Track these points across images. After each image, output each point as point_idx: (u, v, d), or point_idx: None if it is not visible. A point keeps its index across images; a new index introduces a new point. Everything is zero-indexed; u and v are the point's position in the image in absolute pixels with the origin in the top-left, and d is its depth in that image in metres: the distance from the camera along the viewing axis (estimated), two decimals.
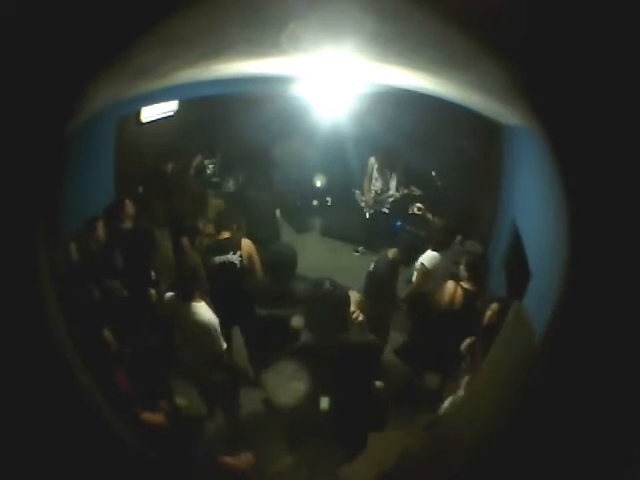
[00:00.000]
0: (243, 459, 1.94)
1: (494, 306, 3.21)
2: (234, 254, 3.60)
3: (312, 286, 2.54)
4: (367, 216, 5.69)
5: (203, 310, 3.00)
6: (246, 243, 3.65)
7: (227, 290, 3.47)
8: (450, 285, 3.60)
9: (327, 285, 2.49)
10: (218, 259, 3.58)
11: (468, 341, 3.20)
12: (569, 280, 1.57)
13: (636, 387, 1.43)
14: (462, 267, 3.65)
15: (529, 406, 1.61)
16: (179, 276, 3.11)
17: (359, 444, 2.63)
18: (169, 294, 3.16)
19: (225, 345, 3.08)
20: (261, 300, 3.30)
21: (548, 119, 1.52)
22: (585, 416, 1.48)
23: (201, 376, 3.22)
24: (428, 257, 4.01)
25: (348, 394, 2.42)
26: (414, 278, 4.08)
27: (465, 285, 3.58)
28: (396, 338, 4.05)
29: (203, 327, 2.98)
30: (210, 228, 4.30)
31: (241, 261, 3.59)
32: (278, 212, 5.41)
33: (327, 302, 2.46)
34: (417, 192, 5.35)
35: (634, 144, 1.33)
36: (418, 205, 5.03)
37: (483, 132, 4.50)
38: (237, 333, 3.72)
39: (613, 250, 1.40)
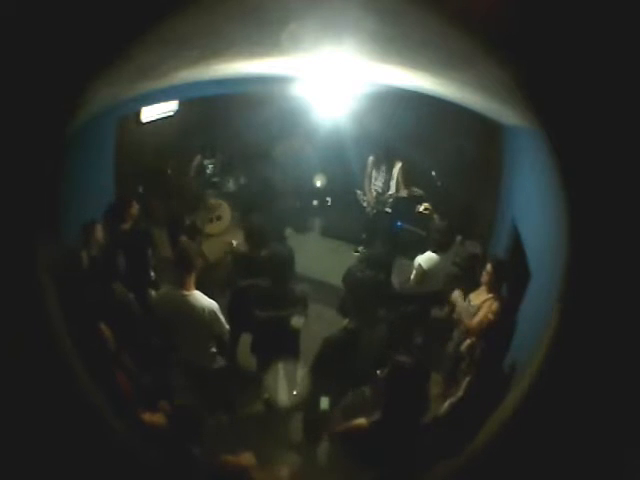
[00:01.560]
0: (244, 458, 1.94)
1: (494, 306, 3.21)
2: (264, 279, 3.41)
3: (353, 271, 2.62)
4: (370, 216, 5.69)
5: (201, 297, 3.00)
6: None
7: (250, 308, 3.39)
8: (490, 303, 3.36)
9: (369, 272, 2.57)
10: (247, 282, 3.45)
11: (468, 341, 3.20)
12: (569, 280, 1.57)
13: (637, 387, 1.43)
14: (486, 276, 3.43)
15: (529, 407, 1.61)
16: (177, 265, 3.08)
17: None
18: (163, 289, 3.15)
19: (228, 326, 3.06)
20: (260, 301, 3.29)
21: (548, 119, 1.52)
22: (585, 416, 1.48)
23: (203, 368, 3.21)
24: (426, 258, 4.00)
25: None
26: (412, 277, 4.09)
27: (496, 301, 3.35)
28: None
29: (204, 312, 2.96)
30: (240, 242, 4.09)
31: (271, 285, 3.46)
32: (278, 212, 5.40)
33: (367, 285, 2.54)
34: (418, 192, 5.34)
35: (634, 144, 1.33)
36: (425, 205, 5.02)
37: (483, 132, 4.49)
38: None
39: (613, 250, 1.40)
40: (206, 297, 3.01)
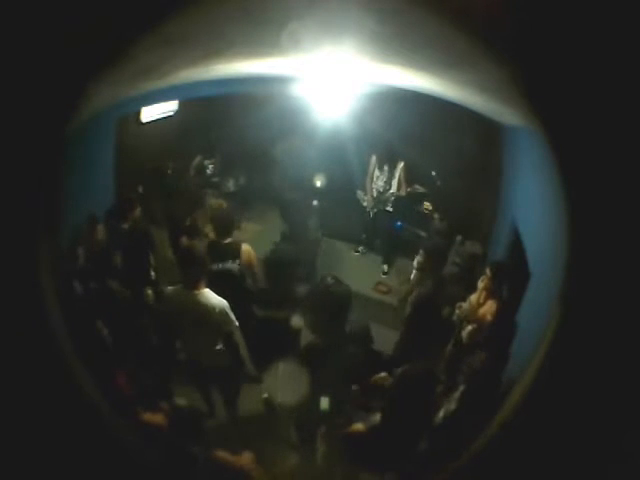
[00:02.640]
0: (244, 458, 1.95)
1: (494, 307, 3.20)
2: (233, 262, 3.54)
3: (314, 284, 2.52)
4: (370, 215, 5.68)
5: (211, 295, 3.02)
6: (246, 249, 3.61)
7: (226, 296, 3.43)
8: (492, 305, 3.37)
9: (329, 280, 2.45)
10: (217, 266, 3.53)
11: (470, 328, 3.21)
12: (569, 280, 1.56)
13: (637, 387, 1.43)
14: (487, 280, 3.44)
15: (529, 408, 1.61)
16: (186, 265, 3.10)
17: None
18: (171, 287, 3.15)
19: (237, 323, 3.08)
20: (262, 302, 3.30)
21: (548, 119, 1.52)
22: (586, 417, 1.48)
23: (207, 367, 3.21)
24: None
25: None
26: (412, 277, 4.09)
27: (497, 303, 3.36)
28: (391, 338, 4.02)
29: (215, 310, 2.99)
30: (209, 229, 4.23)
31: (240, 269, 3.55)
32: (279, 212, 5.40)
33: (330, 297, 2.42)
34: (421, 190, 5.33)
35: (635, 144, 1.33)
36: (426, 204, 5.03)
37: (483, 132, 4.49)
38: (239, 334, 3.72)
39: (613, 250, 1.40)
40: (216, 295, 3.03)
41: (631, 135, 1.33)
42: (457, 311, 3.57)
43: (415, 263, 4.12)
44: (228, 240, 3.63)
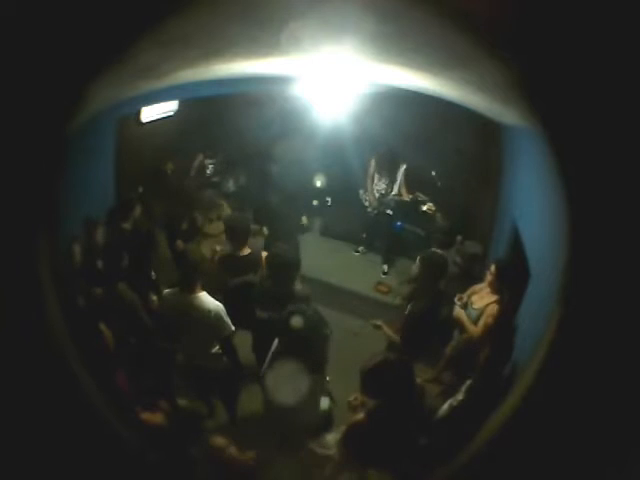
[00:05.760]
0: (244, 456, 1.95)
1: (496, 309, 3.20)
2: (254, 274, 3.47)
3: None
4: (370, 216, 5.68)
5: (207, 299, 3.02)
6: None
7: (244, 306, 3.36)
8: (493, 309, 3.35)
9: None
10: (237, 280, 3.45)
11: (470, 343, 3.21)
12: (569, 280, 1.57)
13: (637, 388, 1.43)
14: (490, 278, 3.43)
15: (529, 407, 1.61)
16: (182, 269, 3.10)
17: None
18: (169, 290, 3.16)
19: (233, 328, 3.08)
20: (263, 302, 3.29)
21: (548, 119, 1.52)
22: (585, 417, 1.48)
23: (204, 368, 3.22)
24: None
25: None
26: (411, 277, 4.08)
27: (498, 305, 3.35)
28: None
29: (210, 314, 2.99)
30: (220, 241, 4.04)
31: (260, 281, 3.46)
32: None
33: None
34: (422, 198, 5.33)
35: (634, 144, 1.33)
36: (429, 205, 5.02)
37: (483, 132, 4.50)
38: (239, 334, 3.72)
39: (613, 250, 1.40)
40: (212, 299, 3.03)
41: (631, 135, 1.33)
42: (458, 303, 3.54)
43: (412, 274, 4.10)
44: (247, 252, 3.55)
